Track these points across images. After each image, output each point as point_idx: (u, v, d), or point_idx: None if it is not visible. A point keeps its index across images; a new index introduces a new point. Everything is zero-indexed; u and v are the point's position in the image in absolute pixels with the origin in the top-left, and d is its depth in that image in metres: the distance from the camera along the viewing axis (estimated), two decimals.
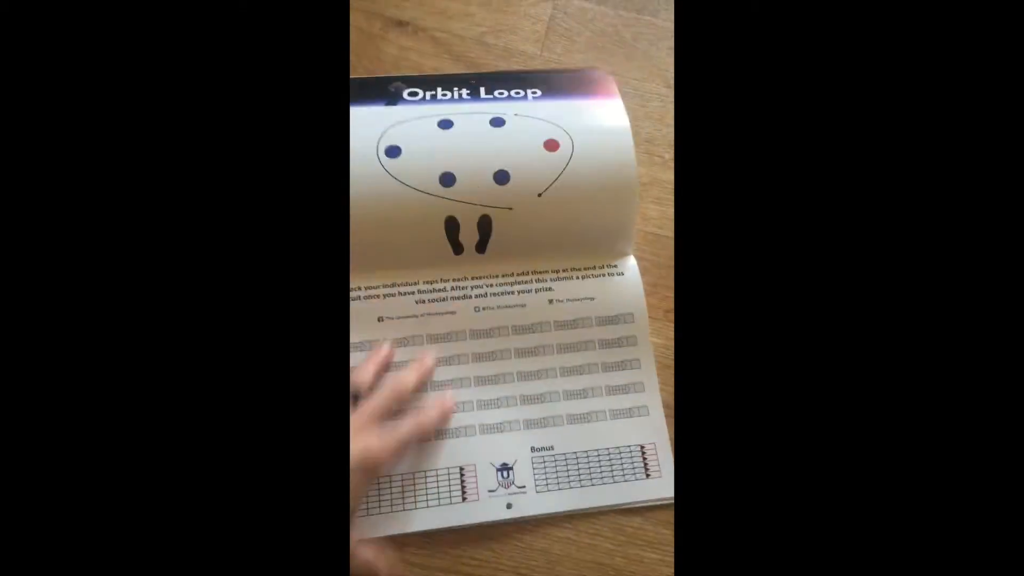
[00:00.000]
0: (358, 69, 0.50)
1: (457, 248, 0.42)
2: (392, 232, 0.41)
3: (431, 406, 0.38)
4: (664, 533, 0.38)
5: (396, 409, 0.37)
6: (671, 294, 0.44)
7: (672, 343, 0.43)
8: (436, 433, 0.39)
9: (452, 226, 0.41)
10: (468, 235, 0.42)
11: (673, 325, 0.43)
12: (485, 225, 0.41)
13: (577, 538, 0.38)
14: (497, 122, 0.43)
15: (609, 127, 0.44)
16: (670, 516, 0.39)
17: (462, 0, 0.53)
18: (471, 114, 0.44)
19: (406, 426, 0.36)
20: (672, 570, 0.37)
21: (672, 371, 0.42)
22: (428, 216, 0.41)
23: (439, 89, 0.45)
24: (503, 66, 0.51)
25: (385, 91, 0.45)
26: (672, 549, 0.38)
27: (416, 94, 0.45)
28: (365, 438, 0.33)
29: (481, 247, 0.42)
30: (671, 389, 0.41)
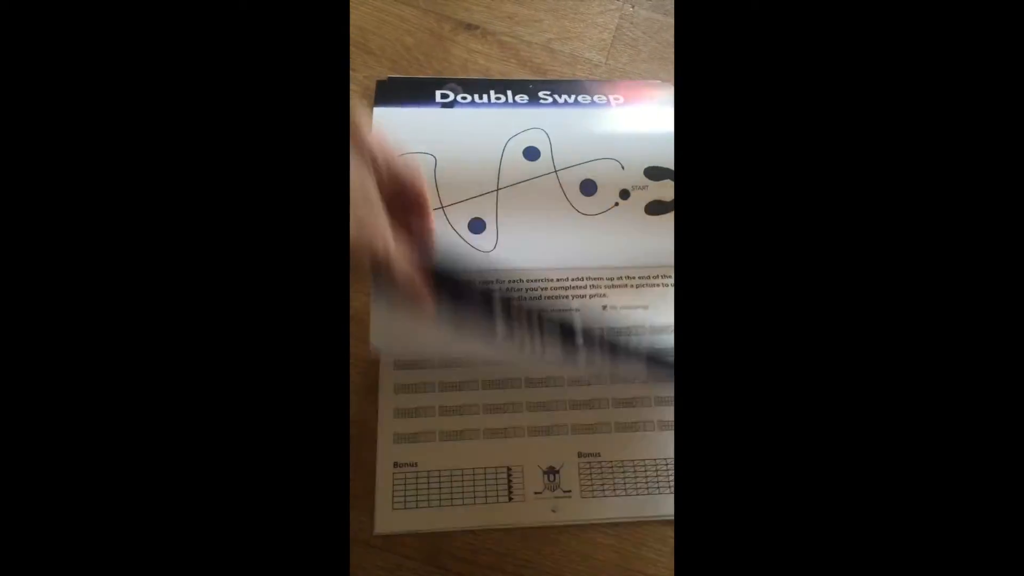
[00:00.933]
0: (427, 70, 0.51)
1: None
2: None
3: None
4: None
5: None
6: None
7: None
8: (485, 432, 0.40)
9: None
10: None
11: None
12: None
13: (621, 546, 0.38)
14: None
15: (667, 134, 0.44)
16: None
17: (531, 6, 0.54)
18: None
19: None
20: None
21: None
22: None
23: (492, 92, 0.46)
24: (567, 73, 0.52)
25: (432, 94, 0.46)
26: None
27: (467, 98, 0.46)
28: None
29: None
30: None
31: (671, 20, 0.54)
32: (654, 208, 0.42)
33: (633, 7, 0.55)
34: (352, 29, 0.51)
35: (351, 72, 0.50)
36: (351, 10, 0.52)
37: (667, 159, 0.43)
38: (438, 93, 0.45)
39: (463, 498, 0.38)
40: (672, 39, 0.53)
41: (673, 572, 0.38)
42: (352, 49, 0.51)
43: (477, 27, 0.53)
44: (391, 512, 0.38)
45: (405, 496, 0.39)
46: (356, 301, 0.43)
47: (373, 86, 0.49)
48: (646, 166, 0.42)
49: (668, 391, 0.42)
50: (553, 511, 0.38)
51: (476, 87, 0.47)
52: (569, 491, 0.39)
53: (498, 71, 0.51)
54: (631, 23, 0.54)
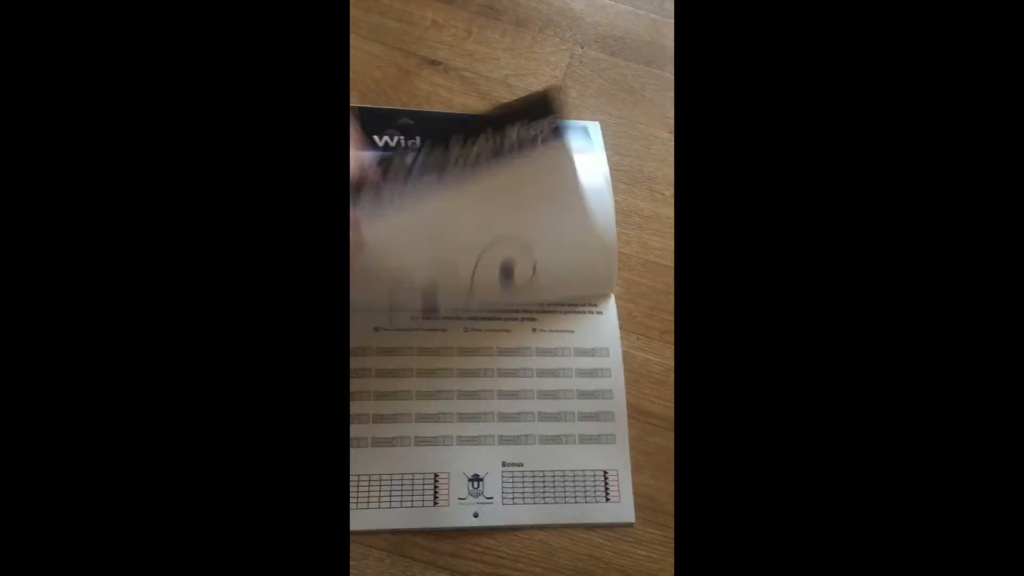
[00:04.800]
0: (394, 101, 0.56)
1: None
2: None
3: None
4: (624, 550, 0.42)
5: None
6: (669, 317, 0.49)
7: (669, 361, 0.48)
8: (416, 440, 0.43)
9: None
10: None
11: (672, 346, 0.48)
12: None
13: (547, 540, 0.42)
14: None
15: (591, 186, 0.49)
16: (628, 537, 0.42)
17: (489, 44, 0.59)
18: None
19: None
20: None
21: (666, 387, 0.47)
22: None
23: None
24: None
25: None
26: (633, 569, 0.42)
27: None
28: None
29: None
30: (638, 421, 0.46)
31: (617, 60, 0.60)
32: None
33: (582, 48, 0.61)
34: None
35: None
36: None
37: None
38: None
39: (390, 501, 0.41)
40: (618, 77, 0.59)
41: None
42: None
43: (440, 63, 0.58)
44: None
45: None
46: None
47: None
48: None
49: (591, 407, 0.45)
50: (475, 516, 0.41)
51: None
52: (491, 498, 0.42)
53: (460, 103, 0.56)
54: (580, 62, 0.60)
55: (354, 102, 0.55)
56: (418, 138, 0.51)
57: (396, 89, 0.56)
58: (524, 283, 0.46)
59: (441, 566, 0.40)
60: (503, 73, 0.58)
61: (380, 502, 0.41)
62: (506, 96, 0.57)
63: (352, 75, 0.56)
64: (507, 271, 0.46)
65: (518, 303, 0.48)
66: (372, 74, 0.57)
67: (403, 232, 0.44)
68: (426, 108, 0.55)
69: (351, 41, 0.58)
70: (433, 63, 0.58)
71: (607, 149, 0.54)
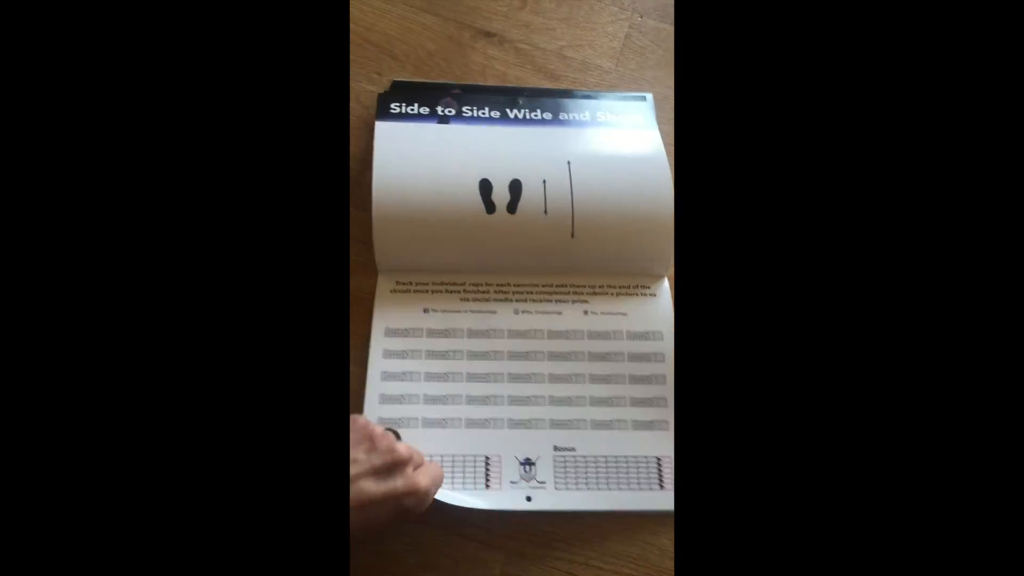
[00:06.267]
0: (447, 75, 0.55)
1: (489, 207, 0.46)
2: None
3: (425, 472, 0.37)
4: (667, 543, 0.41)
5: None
6: None
7: None
8: (468, 422, 0.43)
9: (485, 187, 0.46)
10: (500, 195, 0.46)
11: None
12: (516, 187, 0.46)
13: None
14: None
15: (644, 155, 0.49)
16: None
17: (545, 15, 0.58)
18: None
19: (400, 481, 0.35)
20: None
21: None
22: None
23: (488, 108, 0.51)
24: (580, 78, 0.55)
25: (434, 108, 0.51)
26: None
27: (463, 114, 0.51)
28: (362, 483, 0.33)
29: (512, 207, 0.46)
30: None
31: None
32: None
33: (641, 17, 0.58)
34: (379, 36, 0.55)
35: (378, 75, 0.54)
36: (379, 17, 0.56)
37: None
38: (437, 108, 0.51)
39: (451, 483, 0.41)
40: None
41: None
42: (379, 54, 0.55)
43: (495, 35, 0.56)
44: None
45: None
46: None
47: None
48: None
49: (644, 392, 0.44)
50: (528, 500, 0.40)
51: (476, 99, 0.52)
52: (544, 482, 0.41)
53: (514, 76, 0.55)
54: (639, 32, 0.58)
55: (406, 76, 0.54)
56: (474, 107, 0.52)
57: (449, 62, 0.55)
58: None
59: (496, 547, 0.40)
60: (559, 44, 0.57)
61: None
62: (562, 68, 0.56)
63: (404, 47, 0.55)
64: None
65: (562, 263, 0.47)
66: (425, 46, 0.56)
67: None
68: (480, 81, 0.54)
69: (403, 12, 0.57)
70: (488, 34, 0.56)
71: (664, 123, 0.52)
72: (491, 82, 0.54)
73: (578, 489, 0.41)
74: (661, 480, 0.42)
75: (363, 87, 0.53)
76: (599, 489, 0.41)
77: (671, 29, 0.58)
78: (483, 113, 0.51)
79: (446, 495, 0.39)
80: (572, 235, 0.46)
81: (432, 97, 0.52)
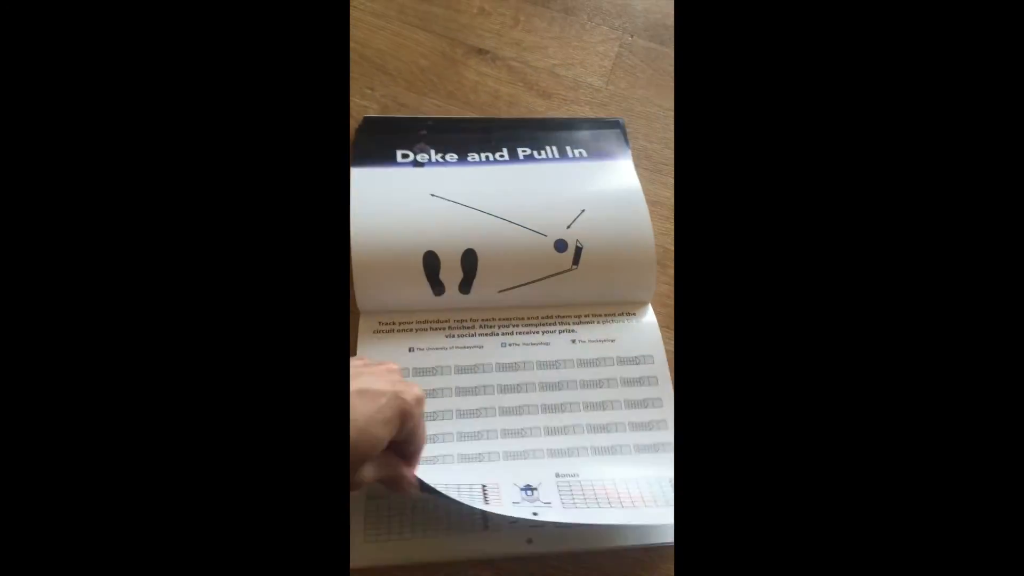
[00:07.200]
0: (440, 91, 0.55)
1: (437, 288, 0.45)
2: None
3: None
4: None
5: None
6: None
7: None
8: (460, 457, 0.41)
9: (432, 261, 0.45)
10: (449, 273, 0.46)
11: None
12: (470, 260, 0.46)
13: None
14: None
15: (622, 188, 0.49)
16: None
17: (537, 33, 0.58)
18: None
19: (397, 377, 0.36)
20: None
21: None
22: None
23: (460, 150, 0.52)
24: (571, 96, 0.56)
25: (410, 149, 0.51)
26: None
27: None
28: (365, 376, 0.34)
29: (465, 286, 0.46)
30: None
31: (667, 49, 0.58)
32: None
33: (632, 37, 0.59)
34: (372, 51, 0.56)
35: (370, 91, 0.54)
36: (373, 33, 0.56)
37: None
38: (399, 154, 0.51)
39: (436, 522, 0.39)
40: (668, 67, 0.58)
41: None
42: (372, 69, 0.55)
43: (487, 52, 0.57)
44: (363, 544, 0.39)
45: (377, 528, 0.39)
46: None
47: (390, 104, 0.53)
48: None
49: (642, 416, 0.44)
50: (529, 543, 0.39)
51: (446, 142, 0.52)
52: (549, 502, 0.39)
53: (506, 93, 0.55)
54: (630, 51, 0.58)
55: (399, 91, 0.54)
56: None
57: (442, 78, 0.55)
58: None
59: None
60: (551, 63, 0.57)
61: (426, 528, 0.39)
62: (553, 87, 0.56)
63: (397, 63, 0.56)
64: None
65: (561, 295, 0.47)
66: (418, 62, 0.56)
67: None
68: (472, 98, 0.55)
69: (396, 28, 0.57)
70: (480, 52, 0.57)
71: (641, 139, 0.53)
72: (483, 99, 0.55)
73: (588, 507, 0.39)
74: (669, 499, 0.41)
75: (355, 102, 0.53)
76: (611, 507, 0.40)
77: (661, 49, 0.58)
78: (452, 158, 0.51)
79: (442, 534, 0.39)
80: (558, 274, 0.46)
81: (405, 138, 0.52)
